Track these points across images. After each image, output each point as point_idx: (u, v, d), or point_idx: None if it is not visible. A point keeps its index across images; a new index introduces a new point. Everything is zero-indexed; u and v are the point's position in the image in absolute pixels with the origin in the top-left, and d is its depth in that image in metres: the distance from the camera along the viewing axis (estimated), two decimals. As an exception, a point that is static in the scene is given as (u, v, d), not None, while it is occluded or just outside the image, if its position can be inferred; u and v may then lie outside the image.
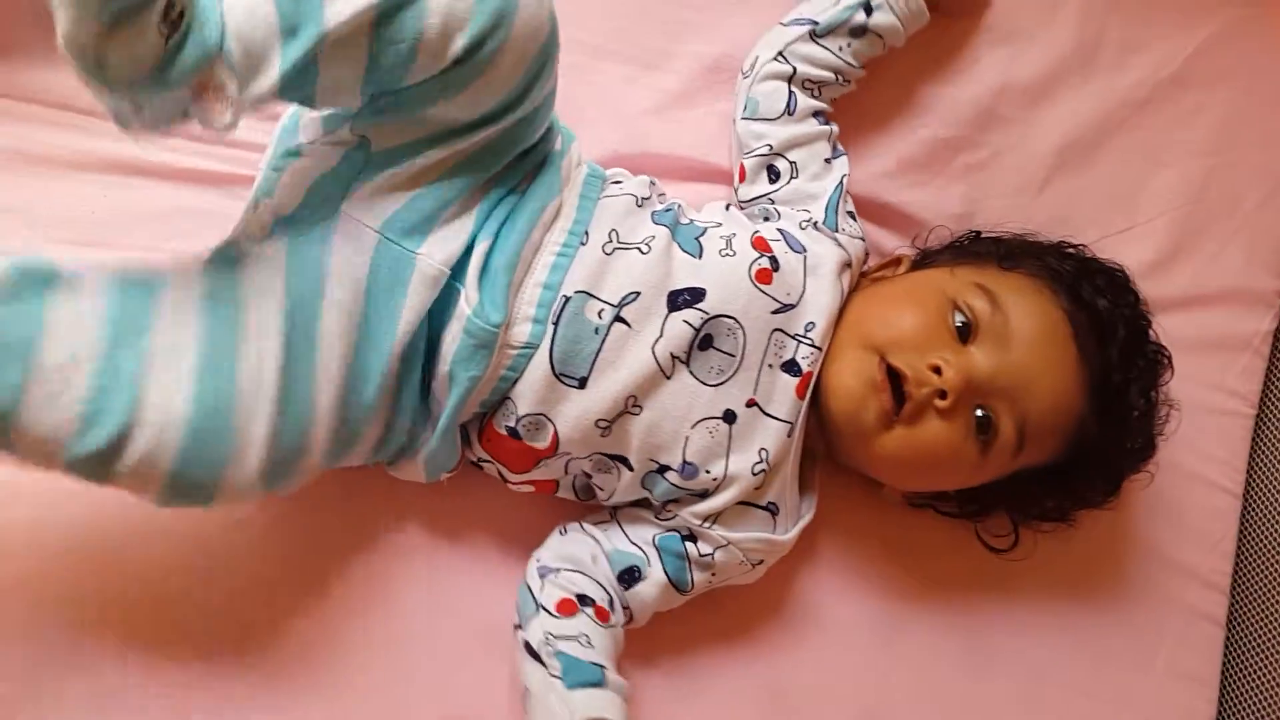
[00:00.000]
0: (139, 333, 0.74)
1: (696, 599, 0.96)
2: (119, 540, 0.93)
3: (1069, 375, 0.90)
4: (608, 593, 0.92)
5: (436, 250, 0.83)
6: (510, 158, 0.86)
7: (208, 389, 0.75)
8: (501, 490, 0.97)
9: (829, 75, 1.00)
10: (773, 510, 0.94)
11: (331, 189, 0.83)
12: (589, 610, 0.90)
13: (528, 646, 0.89)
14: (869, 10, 0.99)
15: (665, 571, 0.93)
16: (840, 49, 1.00)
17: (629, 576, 0.93)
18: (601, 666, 0.87)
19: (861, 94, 1.05)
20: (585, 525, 0.96)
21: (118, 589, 0.92)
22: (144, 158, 0.97)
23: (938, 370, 0.87)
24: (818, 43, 1.00)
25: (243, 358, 0.76)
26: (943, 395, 0.87)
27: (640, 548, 0.94)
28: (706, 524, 0.92)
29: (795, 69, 1.00)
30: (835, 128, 1.02)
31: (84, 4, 0.62)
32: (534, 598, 0.91)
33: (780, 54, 1.00)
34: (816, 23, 0.99)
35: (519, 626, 0.92)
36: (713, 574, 0.94)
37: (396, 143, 0.83)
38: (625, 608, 0.93)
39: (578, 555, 0.93)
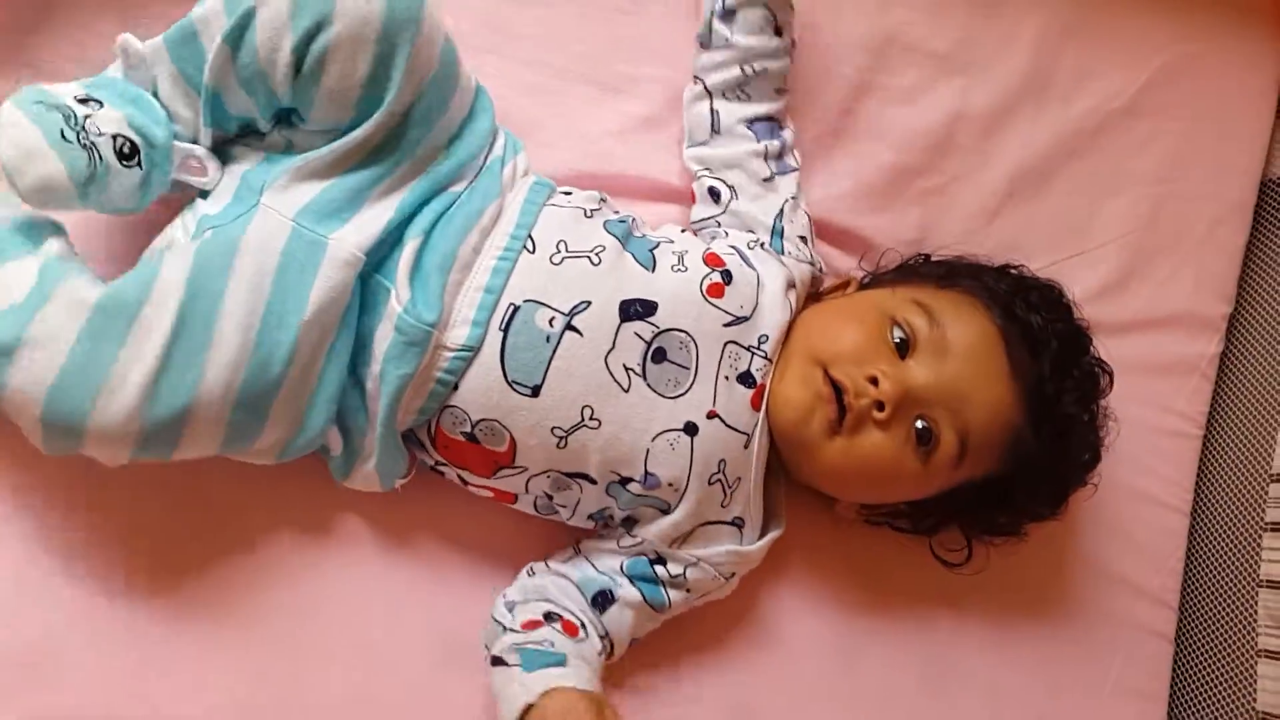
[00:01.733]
0: (58, 279, 0.81)
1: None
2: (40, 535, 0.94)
3: (1004, 386, 0.92)
4: (579, 617, 0.93)
5: (350, 235, 0.85)
6: (416, 150, 0.88)
7: (95, 328, 0.79)
8: (461, 497, 0.98)
9: (735, 72, 1.01)
10: (739, 524, 0.95)
11: (254, 181, 0.87)
12: (555, 624, 0.91)
13: (494, 659, 0.90)
14: None
15: (640, 593, 0.94)
16: (728, 40, 1.00)
17: (602, 600, 0.94)
18: (564, 654, 0.88)
19: (817, 119, 1.08)
20: (551, 564, 0.97)
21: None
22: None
23: (875, 382, 0.89)
24: (708, 49, 1.02)
25: (140, 316, 0.79)
26: (880, 406, 0.89)
27: (608, 575, 0.95)
28: (676, 546, 0.94)
29: (706, 83, 1.02)
30: (783, 138, 1.03)
31: (56, 189, 0.79)
32: (502, 625, 0.92)
33: (695, 77, 1.04)
34: (699, 34, 1.02)
35: (488, 651, 0.92)
36: (688, 591, 0.96)
37: (311, 143, 0.87)
38: (603, 636, 0.94)
39: (546, 588, 0.95)
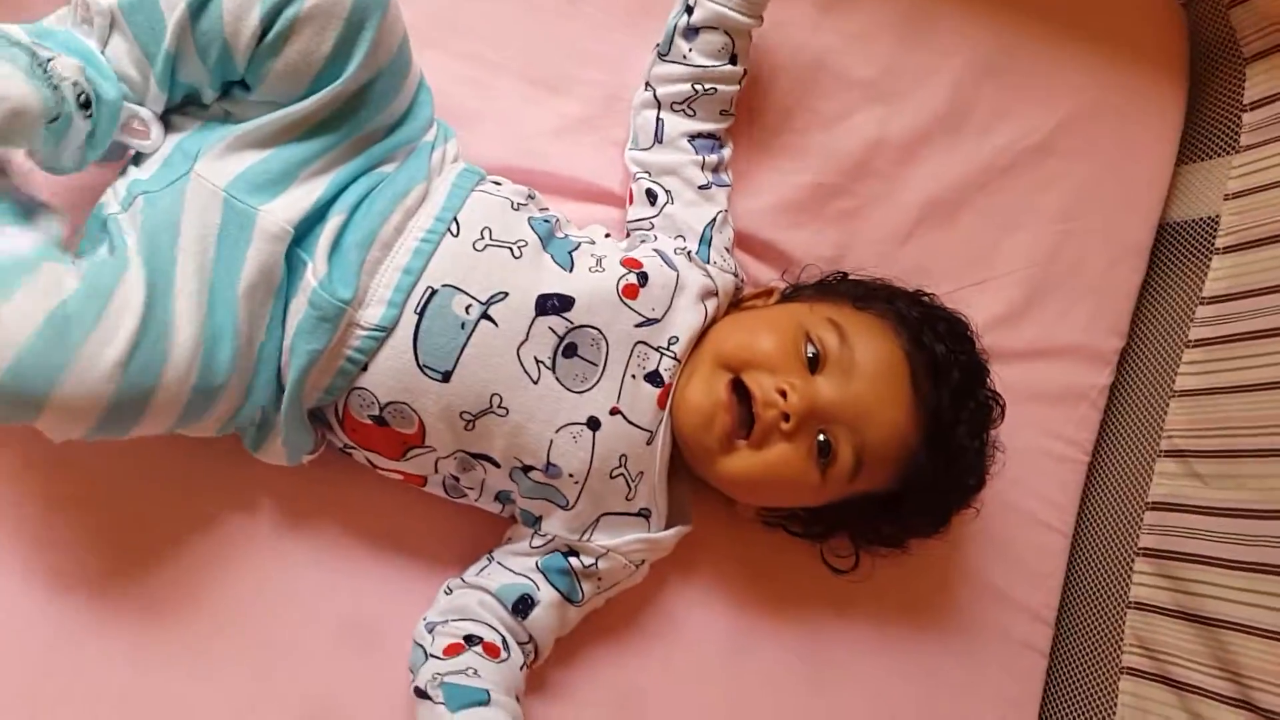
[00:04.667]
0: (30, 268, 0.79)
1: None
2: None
3: (904, 410, 0.95)
4: (499, 632, 0.94)
5: (281, 208, 0.86)
6: (360, 131, 0.89)
7: (75, 306, 0.78)
8: (370, 480, 1.00)
9: (686, 88, 1.04)
10: (645, 515, 0.98)
11: (189, 148, 0.87)
12: (476, 648, 0.93)
13: (418, 690, 0.92)
14: (689, 10, 1.03)
15: (556, 589, 0.96)
16: (685, 55, 1.03)
17: (523, 606, 0.95)
18: (486, 689, 0.90)
19: (745, 135, 1.11)
20: (466, 579, 0.98)
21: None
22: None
23: (784, 394, 0.92)
24: (665, 60, 1.04)
25: (111, 296, 0.79)
26: (786, 418, 0.92)
27: (526, 576, 0.96)
28: (584, 536, 0.96)
29: (656, 92, 1.05)
30: (721, 154, 1.06)
31: (26, 117, 0.77)
32: (424, 650, 0.94)
33: (646, 83, 1.06)
34: (659, 43, 1.05)
35: (413, 680, 0.94)
36: (599, 580, 0.98)
37: (252, 115, 0.87)
38: (527, 641, 0.96)
39: (465, 605, 0.96)
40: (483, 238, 0.92)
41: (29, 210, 0.85)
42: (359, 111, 0.88)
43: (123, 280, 0.80)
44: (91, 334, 0.77)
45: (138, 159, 0.89)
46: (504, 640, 0.94)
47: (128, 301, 0.79)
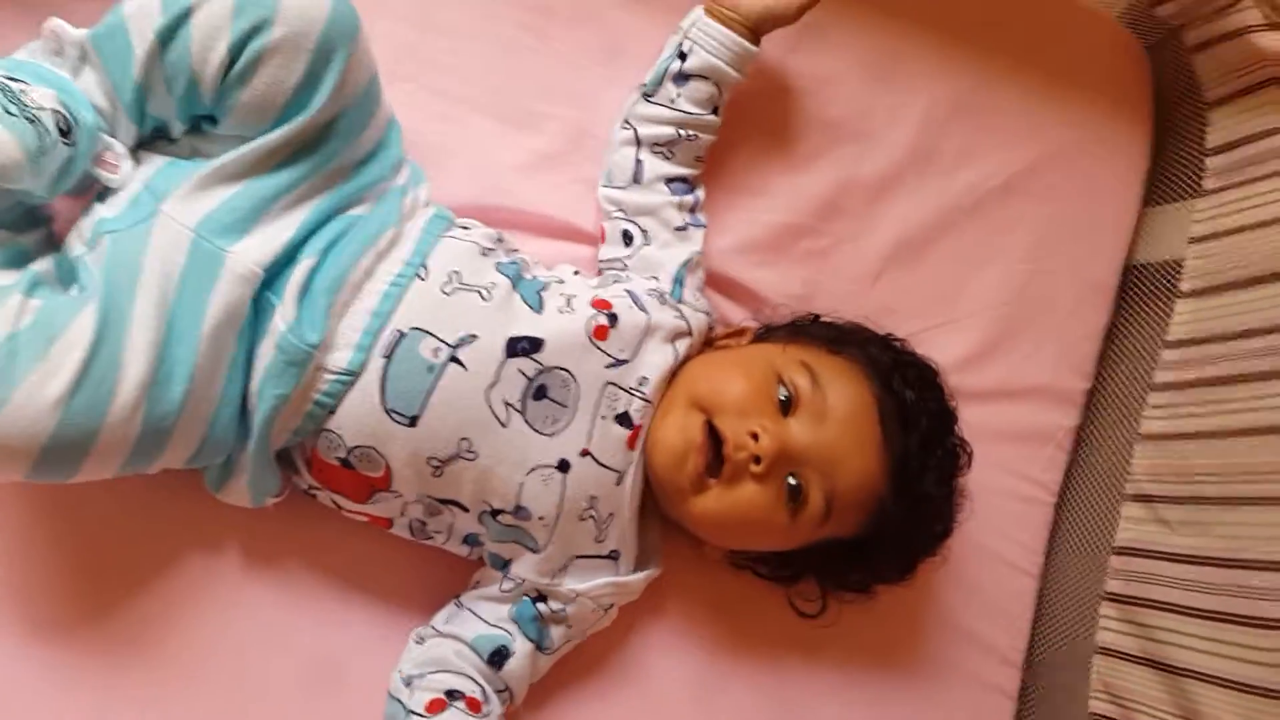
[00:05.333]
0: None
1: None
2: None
3: (873, 457, 0.95)
4: (479, 684, 0.93)
5: (250, 250, 0.85)
6: (330, 165, 0.89)
7: (24, 340, 0.77)
8: (335, 521, 0.98)
9: (670, 131, 1.04)
10: (614, 557, 0.97)
11: (156, 187, 0.86)
12: (459, 704, 0.91)
13: None
14: (683, 56, 1.04)
15: (528, 638, 0.95)
16: (673, 100, 1.04)
17: (499, 657, 0.95)
18: None
19: (716, 175, 1.11)
20: (438, 628, 0.97)
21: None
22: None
23: (756, 437, 0.92)
24: (650, 101, 1.05)
25: (61, 332, 0.78)
26: (757, 461, 0.92)
27: (500, 626, 0.95)
28: (555, 580, 0.95)
29: (638, 132, 1.05)
30: (696, 196, 1.06)
31: (9, 166, 0.76)
32: (404, 705, 0.93)
33: (625, 121, 1.06)
34: (645, 83, 1.05)
35: None
36: (569, 626, 0.97)
37: (219, 151, 0.86)
38: (503, 690, 0.95)
39: (441, 656, 0.94)
40: (451, 281, 0.92)
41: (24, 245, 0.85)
42: (328, 143, 0.87)
43: (77, 317, 0.79)
44: (34, 369, 0.76)
45: (103, 196, 0.87)
46: (484, 692, 0.93)
47: (77, 338, 0.78)
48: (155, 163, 0.88)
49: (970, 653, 1.16)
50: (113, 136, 0.87)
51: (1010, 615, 1.18)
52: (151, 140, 0.90)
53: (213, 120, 0.87)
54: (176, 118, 0.87)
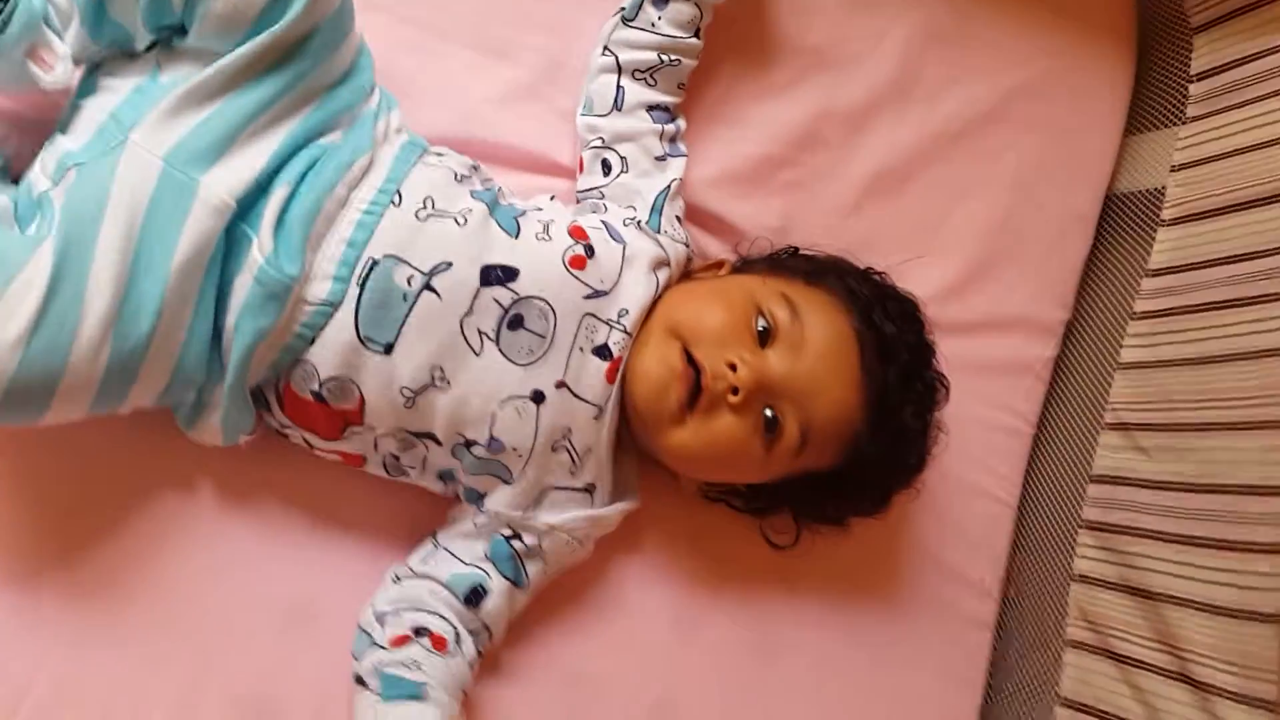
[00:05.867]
0: None
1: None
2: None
3: (851, 389, 0.95)
4: (451, 625, 0.93)
5: (221, 180, 0.83)
6: (300, 85, 0.87)
7: None
8: (307, 461, 0.98)
9: (651, 56, 1.02)
10: (590, 490, 0.97)
11: (123, 117, 0.84)
12: (424, 640, 0.92)
13: (357, 677, 0.91)
14: None
15: (505, 577, 0.95)
16: (654, 24, 1.03)
17: (475, 596, 0.94)
18: (423, 684, 0.89)
19: (691, 106, 1.09)
20: (414, 567, 0.97)
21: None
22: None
23: (734, 367, 0.91)
24: (630, 26, 1.03)
25: (17, 271, 0.77)
26: (735, 391, 0.91)
27: (476, 565, 0.95)
28: (527, 513, 0.95)
29: (618, 58, 1.03)
30: (677, 125, 1.05)
31: None
32: (371, 637, 0.93)
33: (605, 48, 1.04)
34: (624, 8, 1.03)
35: (355, 667, 0.93)
36: (544, 561, 0.97)
37: (185, 70, 0.85)
38: (482, 629, 0.95)
39: (415, 595, 0.94)
40: (426, 207, 0.90)
41: None
42: (300, 61, 0.86)
43: (33, 255, 0.77)
44: None
45: (64, 126, 0.85)
46: (455, 632, 0.93)
47: (33, 277, 0.76)
48: (119, 90, 0.86)
49: (948, 584, 1.17)
50: (59, 38, 0.84)
51: (988, 545, 1.18)
52: (111, 62, 0.87)
53: (181, 32, 0.85)
54: (143, 24, 0.84)
